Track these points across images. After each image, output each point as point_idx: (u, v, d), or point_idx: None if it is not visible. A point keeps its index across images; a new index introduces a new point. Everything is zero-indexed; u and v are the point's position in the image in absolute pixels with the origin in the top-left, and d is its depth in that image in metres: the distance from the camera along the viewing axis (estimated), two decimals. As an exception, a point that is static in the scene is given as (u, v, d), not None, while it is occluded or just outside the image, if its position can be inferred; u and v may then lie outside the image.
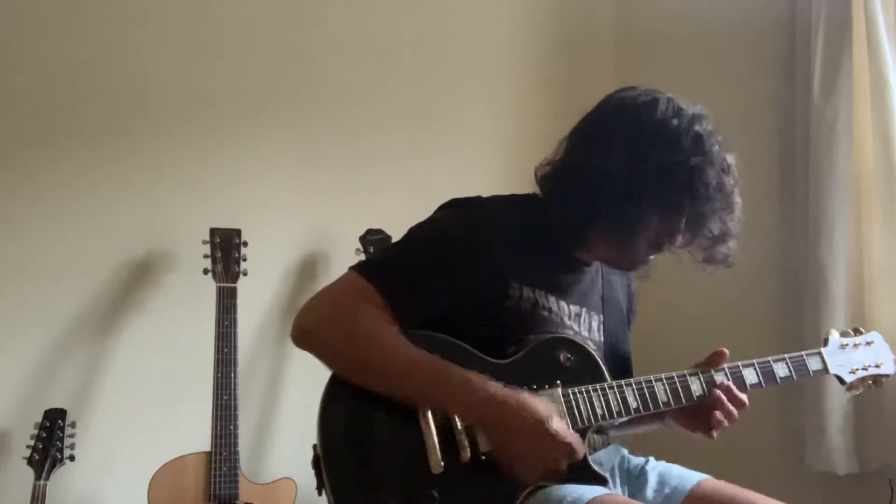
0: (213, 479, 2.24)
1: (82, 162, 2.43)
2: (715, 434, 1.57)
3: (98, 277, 2.43)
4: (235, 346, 2.32)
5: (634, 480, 1.64)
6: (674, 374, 1.55)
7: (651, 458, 1.68)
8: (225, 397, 2.28)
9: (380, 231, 2.57)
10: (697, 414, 1.58)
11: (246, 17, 2.67)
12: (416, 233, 1.55)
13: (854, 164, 2.53)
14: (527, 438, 1.37)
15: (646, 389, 1.51)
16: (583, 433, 1.45)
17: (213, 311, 2.34)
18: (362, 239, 2.57)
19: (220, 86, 2.61)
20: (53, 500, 2.17)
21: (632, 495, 1.60)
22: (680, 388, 1.54)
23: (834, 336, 1.72)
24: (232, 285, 2.38)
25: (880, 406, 2.45)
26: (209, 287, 2.38)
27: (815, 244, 2.55)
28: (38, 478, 2.16)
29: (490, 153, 3.03)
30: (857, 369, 1.71)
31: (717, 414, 1.55)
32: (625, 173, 1.46)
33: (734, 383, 1.57)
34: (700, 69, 2.98)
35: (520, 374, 1.45)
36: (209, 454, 2.26)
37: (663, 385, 1.53)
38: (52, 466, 2.18)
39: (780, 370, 1.62)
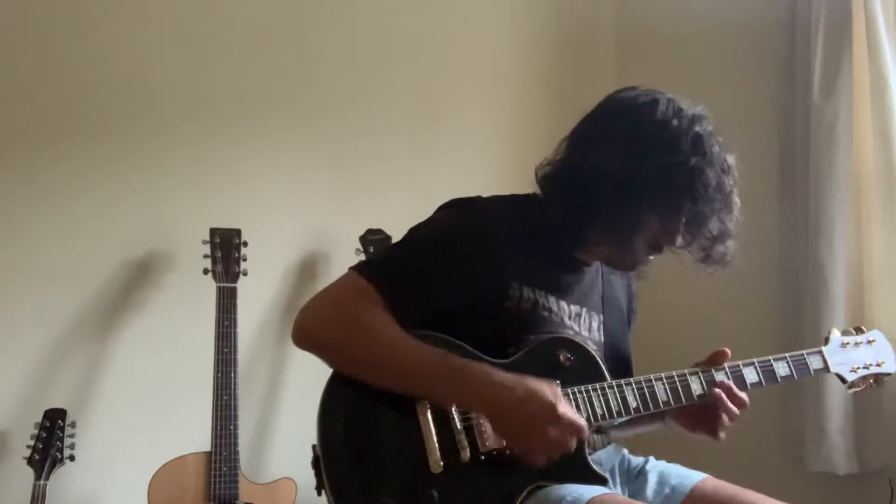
0: (213, 479, 2.24)
1: (82, 162, 2.43)
2: (721, 435, 1.57)
3: (98, 277, 2.43)
4: (235, 346, 2.32)
5: (634, 480, 1.64)
6: (674, 374, 1.55)
7: (651, 458, 1.68)
8: (225, 397, 2.28)
9: (380, 231, 2.58)
10: (698, 414, 1.58)
11: (246, 17, 2.67)
12: (416, 233, 1.54)
13: (854, 164, 2.53)
14: (537, 424, 1.36)
15: (646, 389, 1.51)
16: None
17: (213, 311, 2.34)
18: (362, 239, 2.57)
19: (220, 86, 2.61)
20: (53, 500, 2.17)
21: (632, 495, 1.60)
22: (680, 388, 1.54)
23: (835, 335, 1.72)
24: (232, 285, 2.38)
25: (880, 406, 2.45)
26: (209, 287, 2.38)
27: (815, 244, 2.55)
28: (38, 478, 2.16)
29: (490, 153, 3.03)
30: (858, 368, 1.71)
31: (718, 414, 1.55)
32: (624, 174, 1.46)
33: (734, 382, 1.57)
34: (700, 69, 2.98)
35: (520, 374, 1.45)
36: (209, 454, 2.26)
37: (663, 384, 1.53)
38: (52, 466, 2.18)
39: (781, 369, 1.62)
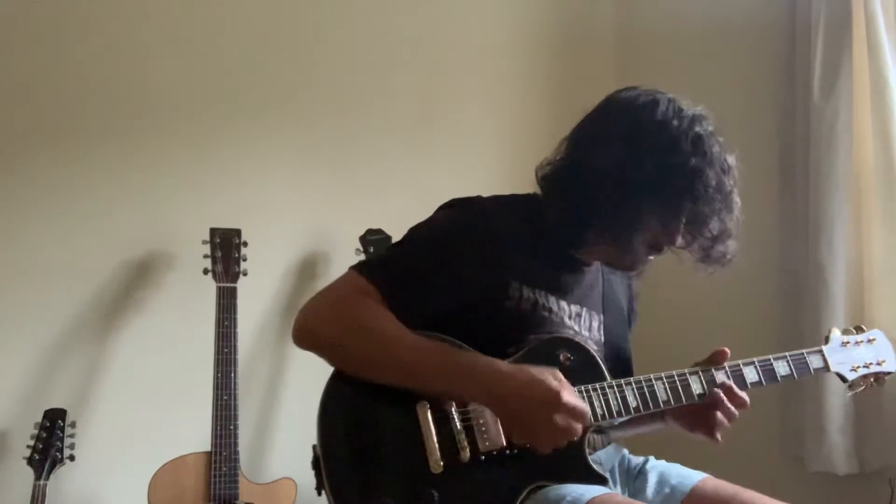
0: (213, 479, 2.24)
1: (82, 162, 2.43)
2: (718, 436, 1.57)
3: (98, 277, 2.43)
4: (235, 346, 2.32)
5: (634, 480, 1.64)
6: (674, 373, 1.55)
7: (651, 458, 1.68)
8: (225, 397, 2.28)
9: (380, 231, 2.58)
10: (698, 413, 1.58)
11: (246, 18, 2.67)
12: (416, 233, 1.54)
13: (854, 164, 2.53)
14: (542, 412, 1.36)
15: (645, 388, 1.51)
16: (583, 432, 1.45)
17: (213, 311, 2.34)
18: (362, 239, 2.57)
19: (220, 86, 2.62)
20: (53, 500, 2.17)
21: (632, 495, 1.60)
22: (680, 387, 1.54)
23: (835, 334, 1.72)
24: (232, 285, 2.38)
25: (880, 406, 2.45)
26: (209, 287, 2.38)
27: (815, 244, 2.55)
28: (38, 478, 2.16)
29: (490, 153, 3.03)
30: (858, 367, 1.71)
31: (718, 414, 1.55)
32: (625, 174, 1.46)
33: (734, 382, 1.57)
34: (700, 69, 2.98)
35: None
36: (209, 454, 2.26)
37: (663, 384, 1.53)
38: (52, 466, 2.18)
39: (781, 368, 1.62)
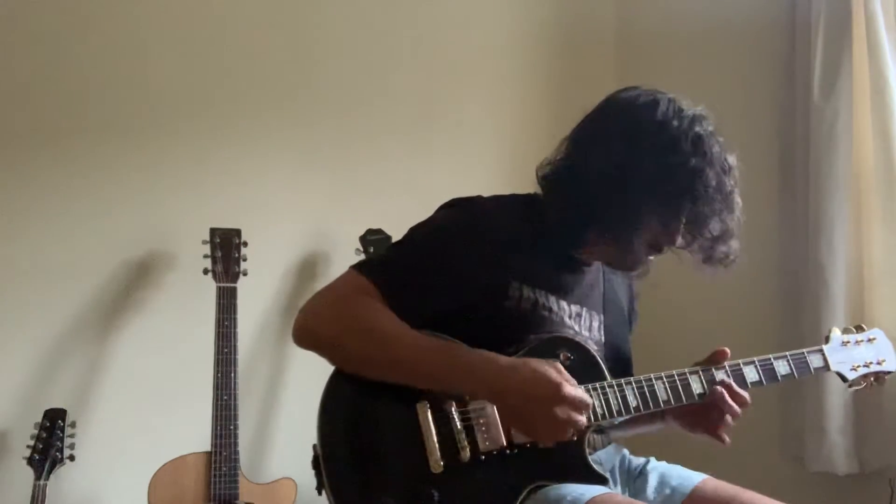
0: (213, 479, 2.24)
1: (82, 162, 2.43)
2: (725, 437, 1.56)
3: (98, 278, 2.43)
4: (235, 346, 2.32)
5: (635, 480, 1.64)
6: (674, 373, 1.55)
7: (652, 459, 1.68)
8: (225, 397, 2.28)
9: (380, 231, 2.58)
10: (698, 413, 1.58)
11: (246, 17, 2.67)
12: (416, 232, 1.54)
13: (854, 164, 2.53)
14: (544, 405, 1.36)
15: (646, 388, 1.51)
16: (583, 432, 1.45)
17: (213, 311, 2.34)
18: (362, 239, 2.57)
19: (220, 86, 2.62)
20: (53, 500, 2.17)
21: (632, 495, 1.60)
22: (680, 387, 1.54)
23: (836, 333, 1.72)
24: (232, 285, 2.38)
25: (880, 406, 2.45)
26: (209, 287, 2.38)
27: (815, 244, 2.55)
28: (38, 478, 2.16)
29: (490, 153, 3.03)
30: (858, 366, 1.71)
31: (722, 413, 1.54)
32: (625, 174, 1.46)
33: (735, 381, 1.57)
34: (700, 69, 2.98)
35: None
36: (209, 454, 2.26)
37: (663, 383, 1.53)
38: (52, 466, 2.18)
39: (781, 368, 1.62)
